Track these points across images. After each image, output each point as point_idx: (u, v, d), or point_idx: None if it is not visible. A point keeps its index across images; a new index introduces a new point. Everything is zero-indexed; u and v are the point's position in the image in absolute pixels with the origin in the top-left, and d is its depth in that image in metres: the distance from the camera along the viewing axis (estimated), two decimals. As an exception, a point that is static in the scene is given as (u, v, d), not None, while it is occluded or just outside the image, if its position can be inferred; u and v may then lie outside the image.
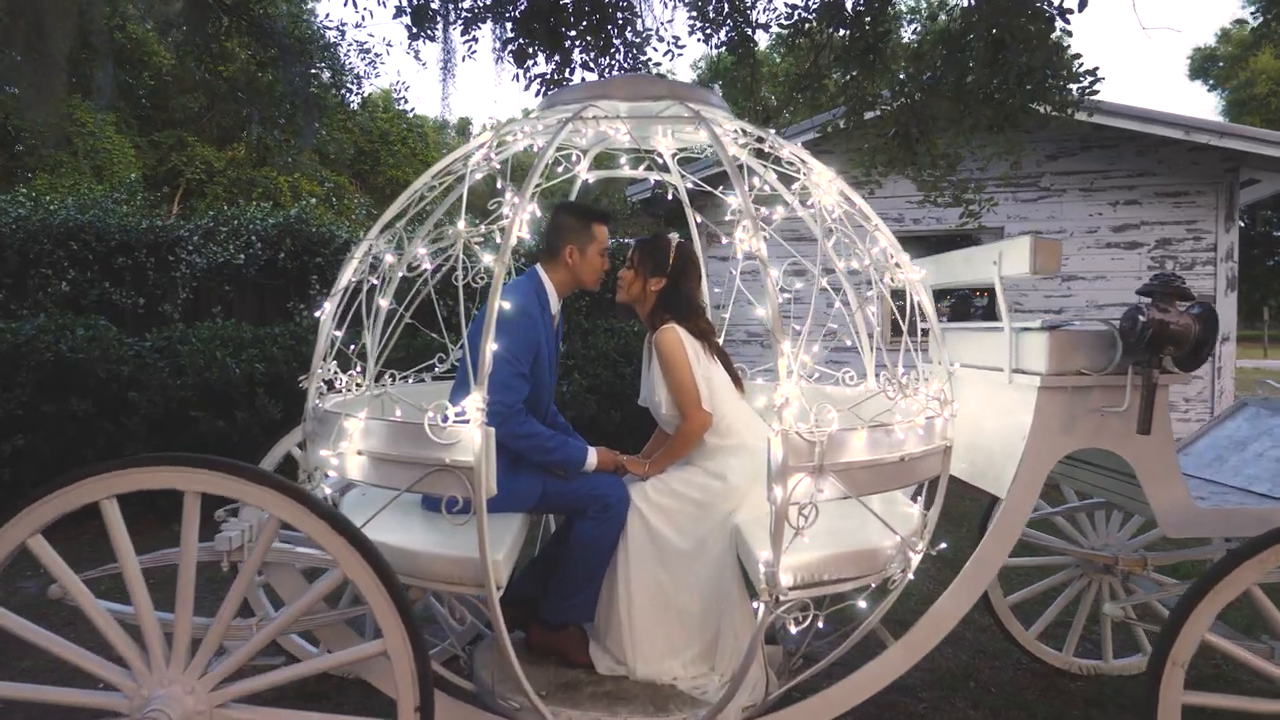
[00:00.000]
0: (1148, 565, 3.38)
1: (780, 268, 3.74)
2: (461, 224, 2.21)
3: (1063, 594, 3.70)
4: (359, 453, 2.21)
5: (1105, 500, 3.48)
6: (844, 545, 2.29)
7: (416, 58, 6.24)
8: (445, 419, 2.07)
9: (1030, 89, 4.16)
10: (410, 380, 3.42)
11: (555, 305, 2.79)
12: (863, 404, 3.18)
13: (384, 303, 2.54)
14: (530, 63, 5.30)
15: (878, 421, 2.55)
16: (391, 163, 22.33)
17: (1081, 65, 4.33)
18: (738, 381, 2.87)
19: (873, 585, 2.34)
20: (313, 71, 5.75)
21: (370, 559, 2.02)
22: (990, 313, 3.36)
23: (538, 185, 2.30)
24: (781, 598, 2.12)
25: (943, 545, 2.56)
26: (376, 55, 6.83)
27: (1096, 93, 4.32)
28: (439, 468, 2.07)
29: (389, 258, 2.47)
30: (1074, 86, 4.31)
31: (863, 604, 2.28)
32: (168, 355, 6.00)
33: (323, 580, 2.17)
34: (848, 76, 4.96)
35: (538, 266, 2.78)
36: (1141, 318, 2.31)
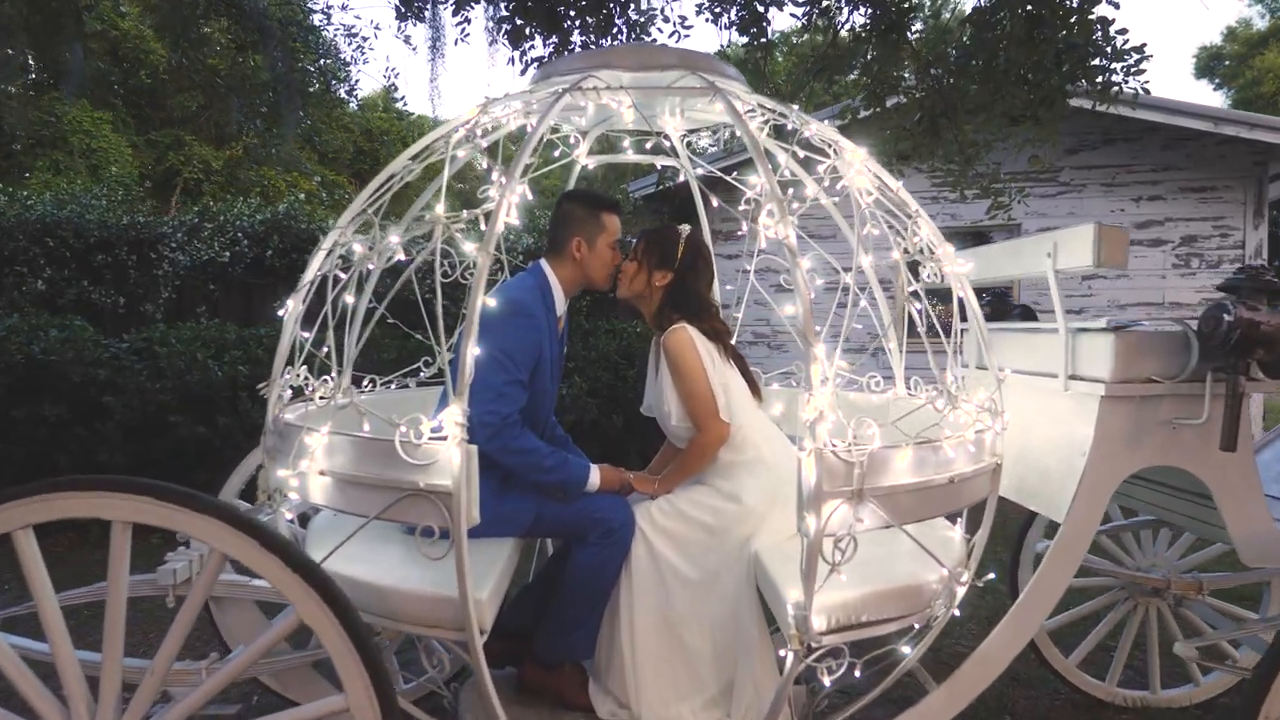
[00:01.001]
0: (1203, 589, 3.07)
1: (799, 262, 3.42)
2: (441, 208, 1.90)
3: (1105, 618, 3.39)
4: (322, 473, 1.91)
5: (1156, 518, 3.17)
6: (883, 580, 1.98)
7: (406, 42, 5.95)
8: (419, 435, 1.77)
9: (1067, 69, 3.83)
10: (393, 386, 3.12)
11: (561, 305, 2.49)
12: (891, 413, 2.89)
13: (351, 298, 2.23)
14: (527, 45, 5.00)
15: (909, 433, 2.25)
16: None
17: (1127, 41, 4.00)
18: (755, 388, 2.56)
19: (916, 626, 2.04)
20: (296, 57, 5.47)
21: (330, 600, 1.72)
22: (1029, 312, 3.09)
23: (529, 164, 1.99)
24: (813, 644, 1.82)
25: (990, 575, 2.25)
26: (364, 39, 6.55)
27: (1143, 72, 4.01)
28: (412, 492, 1.76)
29: (358, 247, 2.16)
30: (1118, 66, 3.98)
31: (906, 649, 1.97)
32: (146, 357, 5.71)
33: (281, 621, 1.87)
34: (868, 58, 4.64)
35: (542, 262, 2.49)
36: (1227, 317, 2.00)
